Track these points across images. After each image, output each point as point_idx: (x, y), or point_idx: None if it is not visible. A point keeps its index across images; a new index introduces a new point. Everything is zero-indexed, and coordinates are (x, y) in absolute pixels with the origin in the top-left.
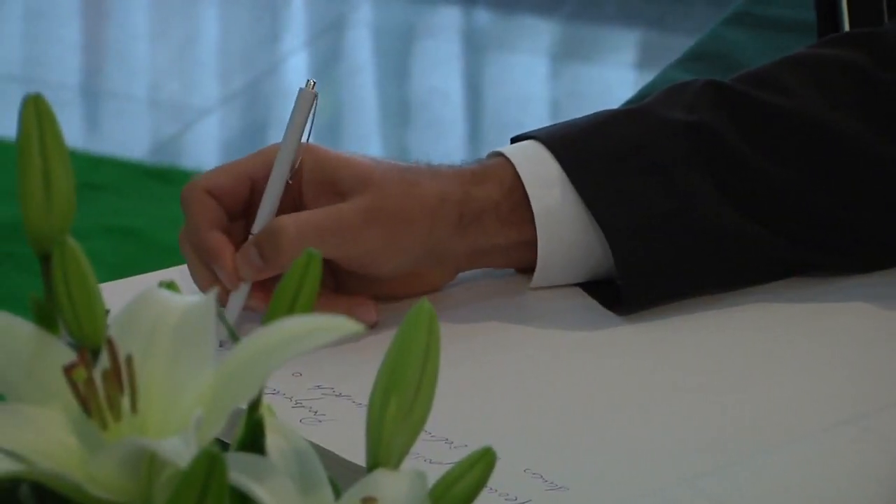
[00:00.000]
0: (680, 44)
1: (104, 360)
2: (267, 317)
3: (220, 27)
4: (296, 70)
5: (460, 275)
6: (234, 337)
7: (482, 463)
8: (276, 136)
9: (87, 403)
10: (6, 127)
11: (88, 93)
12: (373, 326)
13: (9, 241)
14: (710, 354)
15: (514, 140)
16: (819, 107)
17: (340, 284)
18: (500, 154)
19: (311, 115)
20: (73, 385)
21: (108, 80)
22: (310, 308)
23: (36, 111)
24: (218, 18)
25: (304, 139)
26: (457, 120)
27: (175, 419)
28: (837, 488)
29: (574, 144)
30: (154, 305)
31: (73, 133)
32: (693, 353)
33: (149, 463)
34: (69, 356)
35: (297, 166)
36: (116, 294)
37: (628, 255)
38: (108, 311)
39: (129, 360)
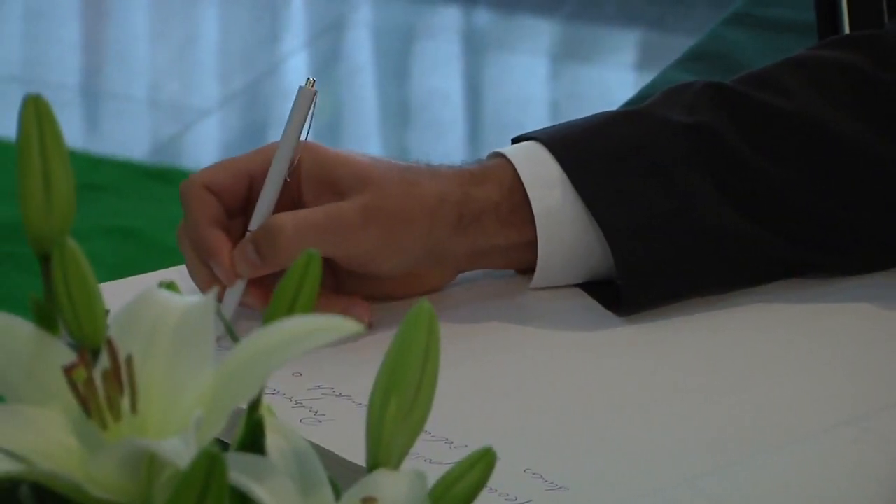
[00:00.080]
0: (680, 44)
1: (104, 361)
2: (267, 317)
3: (220, 27)
4: (296, 70)
5: (460, 275)
6: (233, 335)
7: (482, 463)
8: (276, 136)
9: (86, 404)
10: (6, 127)
11: (88, 93)
12: (368, 327)
13: (9, 241)
14: (710, 355)
15: (514, 141)
16: (819, 107)
17: (340, 284)
18: (500, 154)
19: (310, 113)
20: (73, 385)
21: (108, 81)
22: (310, 308)
23: (36, 111)
24: (218, 19)
25: (303, 137)
26: (457, 120)
27: (175, 419)
28: (837, 488)
29: (574, 145)
30: (154, 306)
31: (73, 133)
32: (693, 354)
33: (149, 463)
34: (69, 356)
35: (295, 164)
36: (116, 294)
37: (628, 256)
38: (108, 311)
39: (129, 360)
